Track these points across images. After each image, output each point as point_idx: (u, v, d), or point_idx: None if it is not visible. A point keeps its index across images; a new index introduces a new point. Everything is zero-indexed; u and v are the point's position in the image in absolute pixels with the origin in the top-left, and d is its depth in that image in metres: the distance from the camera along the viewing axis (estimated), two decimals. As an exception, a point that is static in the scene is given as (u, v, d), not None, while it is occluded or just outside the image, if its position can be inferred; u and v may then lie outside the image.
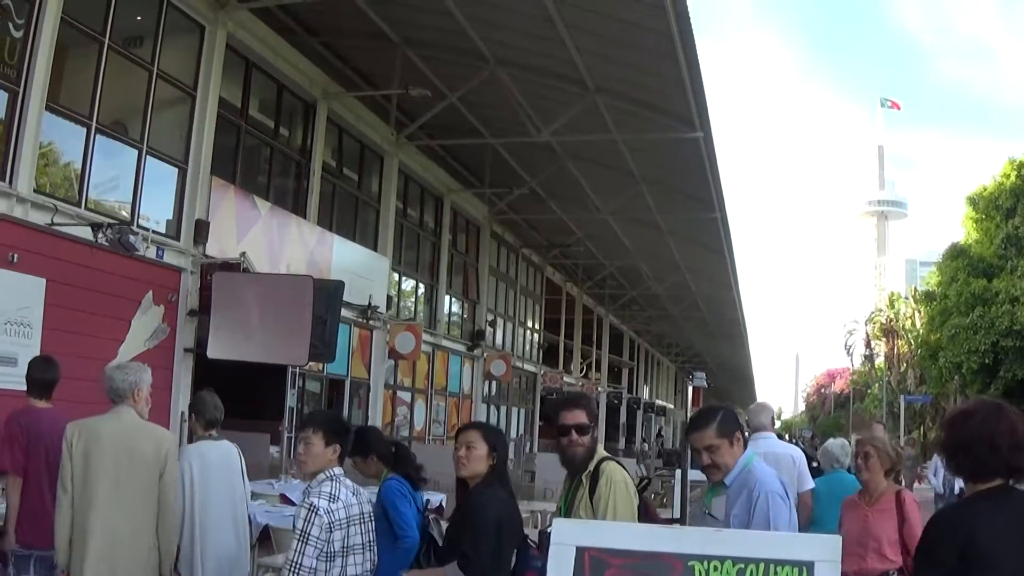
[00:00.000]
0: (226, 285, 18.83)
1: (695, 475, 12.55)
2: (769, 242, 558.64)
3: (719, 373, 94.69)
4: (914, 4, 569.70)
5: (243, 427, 19.24)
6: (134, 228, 16.83)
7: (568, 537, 4.82)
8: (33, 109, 15.13)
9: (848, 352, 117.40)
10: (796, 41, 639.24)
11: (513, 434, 43.90)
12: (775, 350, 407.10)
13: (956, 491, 25.47)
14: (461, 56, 23.96)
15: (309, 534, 7.11)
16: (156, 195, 19.03)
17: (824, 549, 4.63)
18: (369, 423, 27.28)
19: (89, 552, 8.24)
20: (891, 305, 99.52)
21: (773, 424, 12.56)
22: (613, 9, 19.59)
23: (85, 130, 16.77)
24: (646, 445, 62.32)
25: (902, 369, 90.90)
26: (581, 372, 57.81)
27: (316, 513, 7.17)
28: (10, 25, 14.92)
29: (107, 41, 17.08)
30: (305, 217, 24.38)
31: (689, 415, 56.27)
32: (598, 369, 61.18)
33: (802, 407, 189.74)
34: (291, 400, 22.60)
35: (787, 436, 40.84)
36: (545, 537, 6.95)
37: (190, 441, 10.78)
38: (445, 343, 35.69)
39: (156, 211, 19.05)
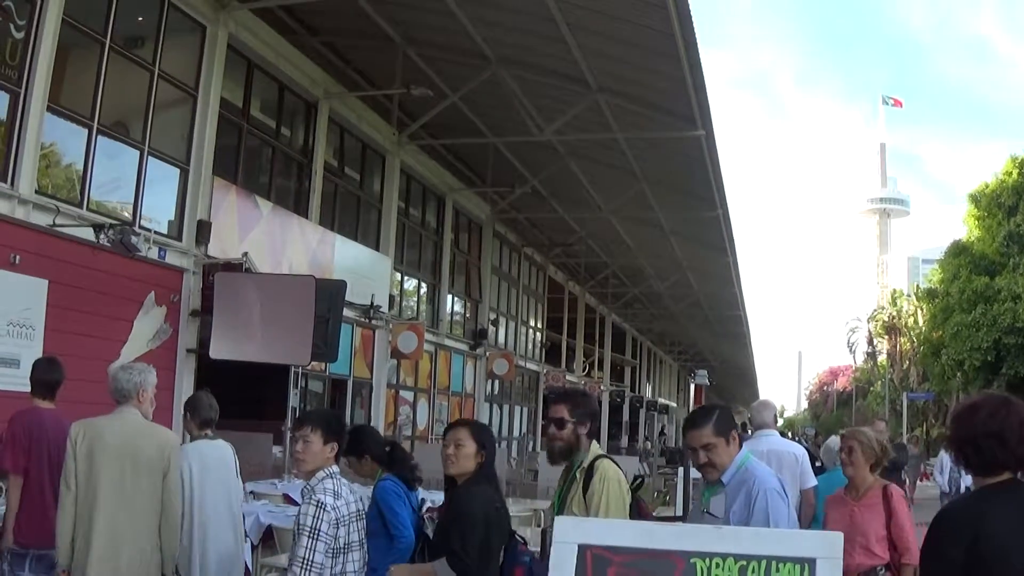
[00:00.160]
0: (228, 285, 18.83)
1: (697, 473, 12.58)
2: (771, 240, 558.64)
3: (721, 371, 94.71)
4: (916, 1, 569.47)
5: (246, 427, 19.30)
6: (136, 229, 16.82)
7: (570, 535, 4.81)
8: (34, 110, 15.13)
9: (851, 349, 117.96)
10: (798, 38, 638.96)
11: (516, 433, 43.96)
12: (778, 348, 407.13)
13: (962, 490, 25.45)
14: (463, 55, 23.99)
15: (320, 530, 7.14)
16: (158, 196, 19.03)
17: (826, 546, 4.63)
18: (372, 423, 27.32)
19: (92, 552, 8.25)
20: (893, 302, 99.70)
21: (775, 422, 12.57)
22: (615, 8, 19.59)
23: (87, 131, 16.76)
24: (649, 443, 62.26)
25: (904, 366, 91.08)
26: (584, 371, 57.76)
27: (324, 509, 7.20)
28: (11, 26, 14.92)
29: (108, 42, 17.08)
30: (307, 217, 24.38)
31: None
32: (601, 368, 61.20)
33: (805, 405, 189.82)
34: (294, 400, 22.59)
35: (790, 434, 40.88)
36: (546, 535, 7.01)
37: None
38: (447, 342, 35.71)
39: (158, 212, 19.06)
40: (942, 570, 4.59)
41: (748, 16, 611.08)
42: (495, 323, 41.38)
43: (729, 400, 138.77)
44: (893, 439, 22.72)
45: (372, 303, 26.92)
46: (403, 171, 30.53)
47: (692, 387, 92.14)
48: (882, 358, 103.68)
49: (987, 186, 58.42)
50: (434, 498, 12.94)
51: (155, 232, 18.08)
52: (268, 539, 13.71)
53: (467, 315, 39.10)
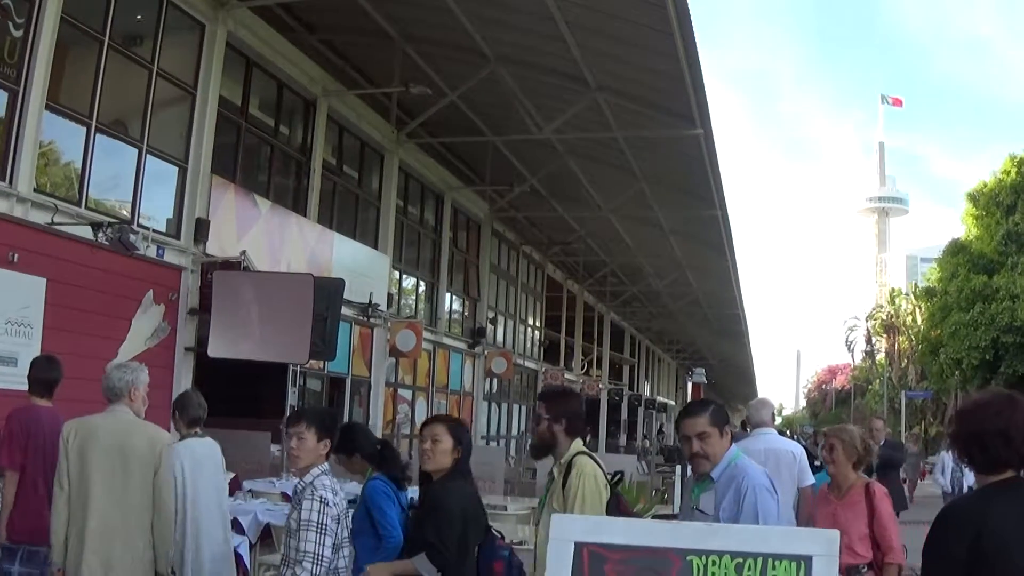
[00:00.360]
0: (226, 284, 18.82)
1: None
2: (770, 239, 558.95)
3: (720, 370, 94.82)
4: (914, 1, 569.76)
5: (244, 425, 19.31)
6: (134, 227, 16.82)
7: (567, 533, 4.83)
8: (33, 108, 15.12)
9: (849, 348, 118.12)
10: (797, 37, 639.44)
11: (514, 431, 43.98)
12: (776, 346, 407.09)
13: (965, 489, 25.42)
14: (462, 53, 24.01)
15: (326, 525, 7.27)
16: (156, 194, 19.03)
17: (822, 543, 4.64)
18: (370, 421, 27.35)
19: (85, 549, 8.30)
20: (892, 301, 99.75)
21: (773, 420, 12.59)
22: (614, 7, 19.60)
23: (85, 129, 16.75)
24: (647, 442, 62.29)
25: (903, 365, 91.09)
26: (582, 369, 57.82)
27: (327, 505, 7.33)
28: (10, 24, 14.91)
29: (107, 40, 17.06)
30: (305, 215, 24.37)
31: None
32: (599, 366, 61.22)
33: (803, 403, 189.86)
34: (292, 398, 22.61)
35: (788, 432, 40.94)
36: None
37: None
38: (446, 341, 35.70)
39: (156, 210, 19.06)
40: (945, 567, 4.60)
41: (747, 15, 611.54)
42: (493, 321, 41.39)
43: (727, 398, 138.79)
44: (890, 437, 22.66)
45: (370, 301, 26.92)
46: (402, 169, 30.52)
47: (690, 385, 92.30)
48: (880, 356, 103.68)
49: (985, 185, 58.42)
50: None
51: (153, 230, 18.08)
52: (266, 537, 13.74)
53: (465, 313, 39.12)
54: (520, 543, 11.44)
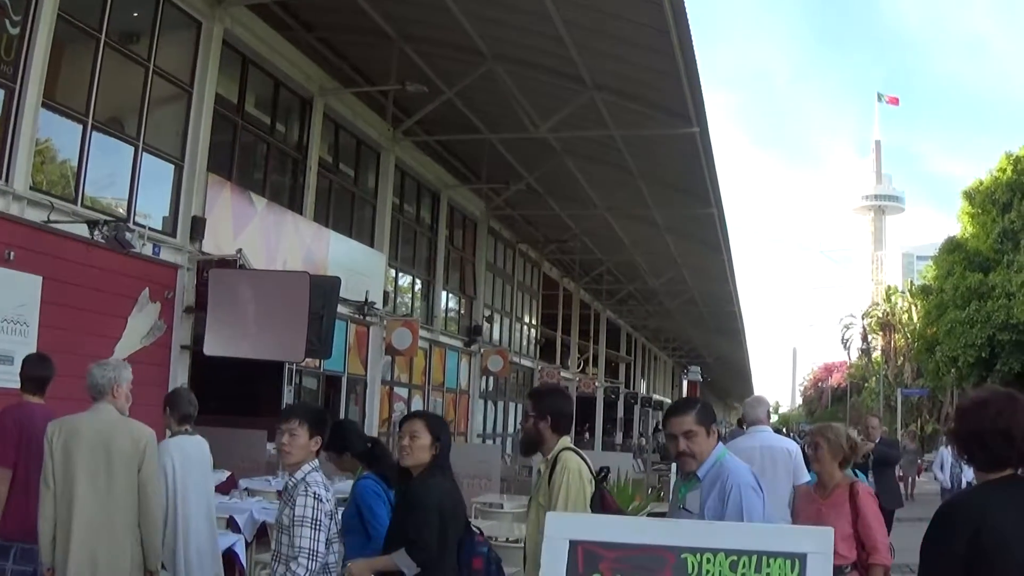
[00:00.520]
0: (222, 282, 18.82)
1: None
2: (767, 237, 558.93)
3: (716, 367, 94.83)
4: (911, 0, 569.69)
5: (240, 424, 19.31)
6: (130, 225, 16.83)
7: (561, 531, 4.84)
8: (29, 106, 15.11)
9: (845, 346, 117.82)
10: (794, 35, 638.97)
11: (510, 430, 44.01)
12: (772, 344, 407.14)
13: (964, 485, 25.43)
14: (458, 52, 24.01)
15: (320, 521, 7.32)
16: (152, 192, 19.00)
17: (817, 541, 4.65)
18: (366, 419, 27.38)
19: (71, 548, 8.34)
20: (888, 299, 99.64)
21: (769, 418, 12.58)
22: (611, 6, 19.63)
23: (81, 127, 16.73)
24: (643, 440, 62.37)
25: (899, 363, 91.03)
26: (578, 367, 57.84)
27: (320, 501, 7.39)
28: (7, 22, 14.90)
29: (103, 37, 17.05)
30: (301, 213, 24.35)
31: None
32: (595, 364, 61.30)
33: (799, 401, 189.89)
34: (288, 397, 22.61)
35: (784, 430, 40.95)
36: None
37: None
38: (442, 339, 35.73)
39: (152, 208, 19.03)
40: (944, 563, 4.61)
41: (744, 14, 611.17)
42: (490, 320, 41.38)
43: (724, 396, 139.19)
44: (886, 435, 22.68)
45: (366, 299, 26.91)
46: (398, 167, 30.51)
47: (685, 383, 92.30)
48: (876, 354, 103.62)
49: (981, 183, 58.42)
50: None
51: (149, 228, 18.04)
52: (262, 536, 13.75)
53: (462, 312, 39.16)
54: (516, 541, 11.46)
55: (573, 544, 4.72)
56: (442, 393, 36.24)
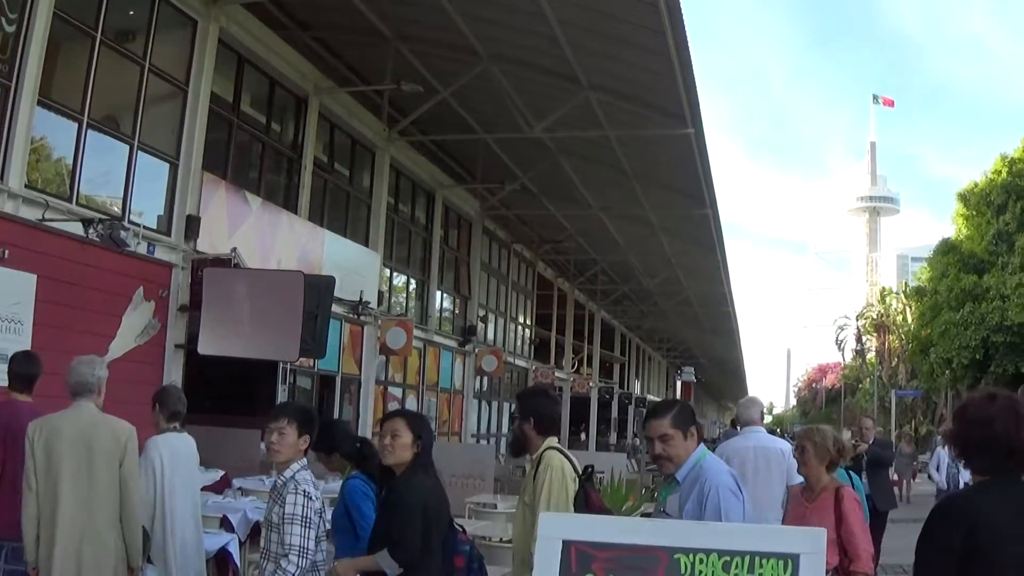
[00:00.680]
0: (217, 281, 18.80)
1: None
2: (761, 237, 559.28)
3: (710, 368, 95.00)
4: (908, 1, 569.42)
5: (234, 423, 19.30)
6: (125, 224, 16.85)
7: (554, 531, 4.85)
8: (25, 104, 15.11)
9: (839, 347, 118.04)
10: (789, 37, 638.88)
11: (504, 430, 44.02)
12: (767, 345, 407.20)
13: (960, 486, 25.40)
14: (453, 51, 24.01)
15: (310, 519, 7.38)
16: (147, 190, 18.97)
17: (809, 541, 4.66)
18: (360, 419, 27.38)
19: (56, 547, 8.37)
20: (882, 300, 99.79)
21: (763, 419, 12.62)
22: (606, 5, 19.63)
23: (77, 125, 16.71)
24: (637, 440, 62.34)
25: (893, 364, 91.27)
26: (573, 367, 57.84)
27: (310, 499, 7.45)
28: (3, 20, 14.88)
29: (99, 36, 17.03)
30: (296, 212, 24.34)
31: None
32: (590, 364, 61.29)
33: (793, 402, 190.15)
34: (282, 396, 22.61)
35: (778, 431, 40.97)
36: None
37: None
38: (436, 339, 35.73)
39: (147, 206, 19.01)
40: (939, 560, 4.64)
41: (739, 15, 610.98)
42: (484, 319, 41.42)
43: (718, 397, 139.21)
44: (880, 436, 22.66)
45: (361, 299, 26.91)
46: (393, 167, 30.52)
47: (679, 384, 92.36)
48: (871, 355, 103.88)
49: (976, 185, 58.59)
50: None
51: (144, 227, 18.08)
52: (256, 535, 13.74)
53: (456, 311, 39.17)
54: (510, 541, 11.46)
55: (566, 544, 4.74)
56: (436, 393, 36.23)
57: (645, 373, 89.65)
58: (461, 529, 8.00)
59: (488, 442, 41.10)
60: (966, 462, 4.98)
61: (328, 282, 20.14)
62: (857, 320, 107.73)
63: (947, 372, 57.58)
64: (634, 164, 29.63)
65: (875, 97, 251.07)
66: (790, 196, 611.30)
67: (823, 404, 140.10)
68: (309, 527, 7.34)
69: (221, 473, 17.13)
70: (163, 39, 19.07)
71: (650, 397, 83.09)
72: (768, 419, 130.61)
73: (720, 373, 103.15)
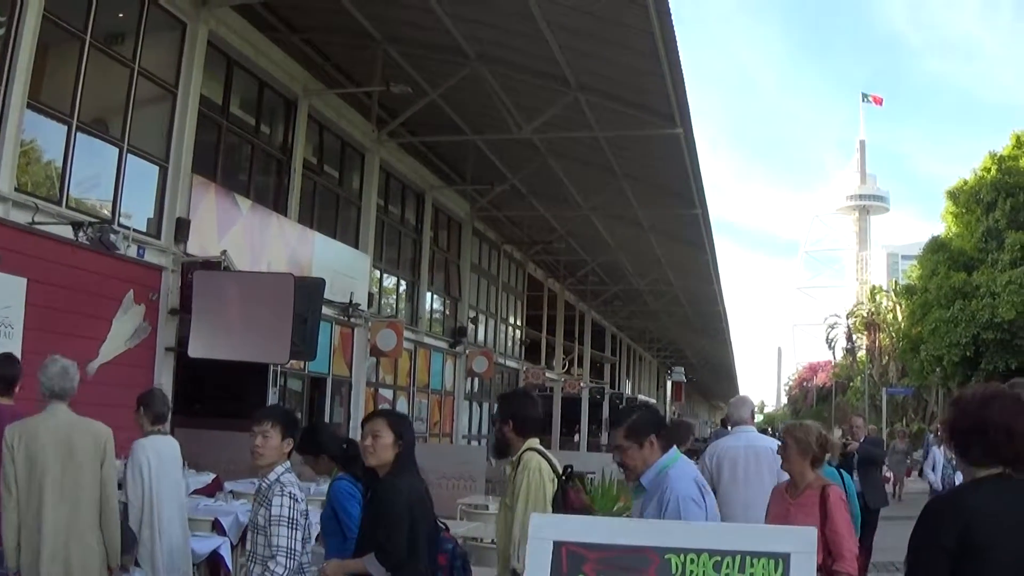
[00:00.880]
0: (207, 283, 18.79)
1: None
2: (750, 236, 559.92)
3: (701, 367, 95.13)
4: (898, 1, 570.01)
5: (224, 426, 19.29)
6: (115, 227, 16.82)
7: (545, 532, 4.85)
8: (14, 106, 15.09)
9: (830, 345, 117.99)
10: (779, 36, 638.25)
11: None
12: (757, 344, 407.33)
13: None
14: (443, 53, 24.02)
15: (296, 520, 7.43)
16: (137, 193, 18.95)
17: (800, 541, 4.67)
18: (351, 421, 27.37)
19: (43, 551, 8.36)
20: (872, 299, 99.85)
21: (753, 418, 12.60)
22: (594, 6, 19.63)
23: (66, 128, 16.68)
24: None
25: (884, 362, 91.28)
26: (563, 368, 57.85)
27: (296, 500, 7.50)
28: (-8, 23, 14.92)
29: (89, 38, 17.02)
30: (286, 215, 24.32)
31: (670, 412, 56.37)
32: (580, 365, 61.26)
33: (784, 400, 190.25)
34: (272, 399, 22.59)
35: (769, 430, 41.03)
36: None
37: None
38: (427, 340, 35.72)
39: (137, 209, 18.98)
40: (932, 557, 4.65)
41: (729, 15, 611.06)
42: (474, 321, 41.38)
43: (708, 396, 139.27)
44: (871, 434, 22.70)
45: (351, 301, 26.89)
46: (382, 168, 30.51)
47: (669, 384, 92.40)
48: (861, 354, 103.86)
49: (966, 183, 58.69)
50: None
51: (134, 230, 18.04)
52: (247, 538, 13.75)
53: (446, 313, 39.17)
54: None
55: (557, 545, 4.73)
56: (427, 394, 36.26)
57: (636, 373, 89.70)
58: (444, 527, 8.02)
59: (479, 443, 41.05)
60: (962, 453, 4.99)
61: (318, 284, 20.16)
62: (847, 319, 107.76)
63: (938, 370, 57.57)
64: (623, 164, 29.66)
65: (864, 96, 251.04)
66: (780, 195, 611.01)
67: (814, 403, 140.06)
68: (296, 528, 7.38)
69: (212, 476, 17.13)
70: (152, 42, 19.05)
71: (641, 397, 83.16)
72: (759, 418, 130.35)
73: (711, 372, 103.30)
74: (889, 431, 61.94)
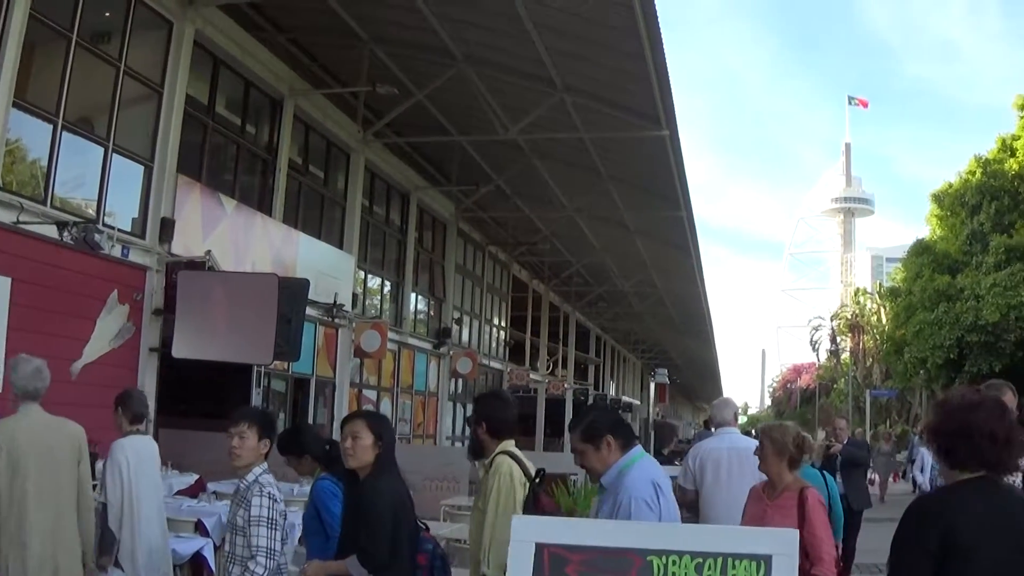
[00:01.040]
0: (191, 284, 18.77)
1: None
2: (735, 237, 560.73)
3: (685, 369, 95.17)
4: (883, 4, 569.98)
5: (208, 426, 19.27)
6: (100, 226, 16.79)
7: (527, 534, 4.87)
8: (0, 106, 15.08)
9: (814, 347, 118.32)
10: (766, 39, 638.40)
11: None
12: (741, 345, 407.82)
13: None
14: (429, 53, 24.02)
15: (275, 520, 7.47)
16: (122, 193, 18.92)
17: (781, 543, 4.69)
18: (335, 422, 27.32)
19: (30, 554, 8.28)
20: (857, 301, 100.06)
21: (736, 419, 12.62)
22: (581, 7, 19.64)
23: (52, 127, 16.66)
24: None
25: (868, 364, 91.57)
26: (547, 369, 57.83)
27: (275, 501, 7.54)
28: (-23, 22, 14.88)
29: (75, 37, 16.99)
30: (271, 215, 24.31)
31: (653, 414, 56.40)
32: (564, 366, 61.26)
33: (768, 402, 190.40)
34: (256, 399, 22.58)
35: (753, 431, 41.18)
36: None
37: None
38: (411, 341, 35.72)
39: (122, 209, 18.95)
40: (915, 559, 4.69)
41: (715, 18, 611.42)
42: (459, 322, 41.39)
43: (692, 398, 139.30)
44: (854, 437, 22.72)
45: (335, 302, 26.87)
46: (368, 169, 30.53)
47: (653, 386, 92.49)
48: (845, 356, 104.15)
49: (951, 186, 58.80)
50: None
51: (118, 230, 17.97)
52: (228, 538, 13.75)
53: (431, 314, 39.17)
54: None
55: (539, 547, 4.75)
56: (411, 395, 36.25)
57: (620, 374, 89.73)
58: (424, 527, 8.01)
59: (463, 444, 40.97)
60: (945, 456, 5.02)
61: (302, 285, 20.13)
62: (832, 321, 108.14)
63: (921, 372, 57.62)
64: (609, 166, 29.68)
65: (850, 99, 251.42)
66: (765, 197, 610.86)
67: (798, 404, 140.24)
68: (275, 529, 7.42)
69: (196, 477, 17.12)
70: (138, 41, 19.03)
71: (625, 398, 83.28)
72: (743, 419, 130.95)
73: (695, 374, 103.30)
74: (873, 433, 62.02)
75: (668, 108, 22.85)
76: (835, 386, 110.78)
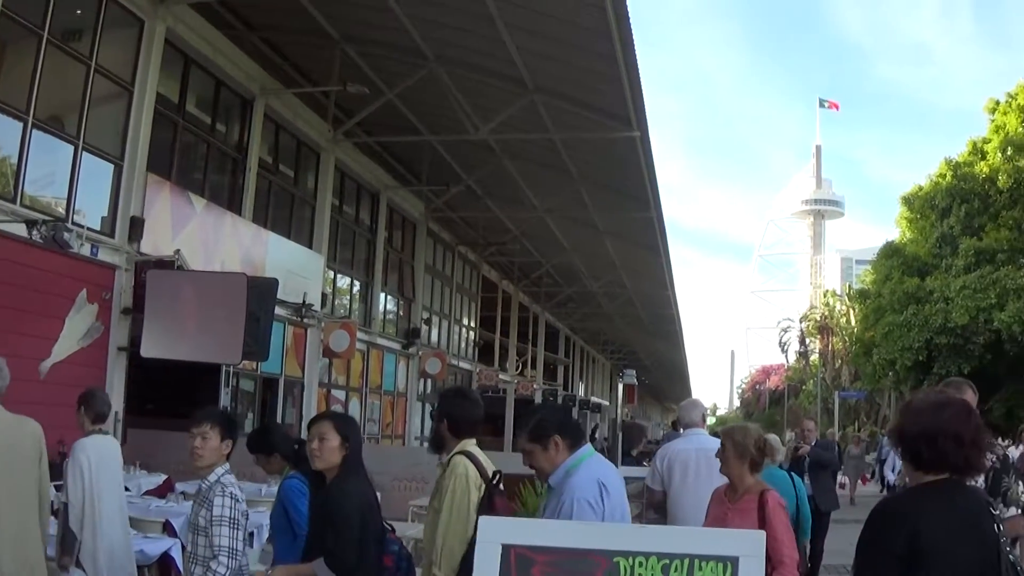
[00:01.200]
0: (160, 283, 18.71)
1: (628, 471, 12.68)
2: (705, 239, 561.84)
3: (654, 370, 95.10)
4: (855, 6, 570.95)
5: (176, 426, 19.21)
6: (69, 225, 16.72)
7: (494, 535, 4.88)
8: (-30, 104, 15.05)
9: (783, 349, 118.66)
10: (737, 41, 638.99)
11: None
12: (710, 346, 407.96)
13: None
14: (400, 53, 23.99)
15: (237, 520, 7.50)
16: (91, 191, 18.87)
17: (749, 544, 4.71)
18: (303, 422, 27.29)
19: (3, 556, 8.21)
20: (826, 303, 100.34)
21: (705, 421, 12.62)
22: (552, 8, 19.68)
23: (22, 125, 16.62)
24: (582, 442, 62.32)
25: (836, 366, 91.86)
26: (517, 370, 57.87)
27: (237, 500, 7.56)
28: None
29: (46, 35, 16.94)
30: (240, 214, 24.28)
31: (622, 414, 56.49)
32: (534, 366, 61.32)
33: (737, 403, 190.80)
34: (225, 399, 22.53)
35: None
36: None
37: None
38: (380, 341, 35.68)
39: (91, 207, 18.89)
40: (881, 562, 4.71)
41: (687, 19, 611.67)
42: (428, 322, 41.43)
43: (661, 398, 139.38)
44: (822, 438, 22.79)
45: (304, 301, 26.87)
46: (338, 168, 30.51)
47: (621, 387, 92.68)
48: (814, 357, 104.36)
49: (920, 189, 59.01)
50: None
51: (88, 228, 17.91)
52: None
53: (400, 314, 39.12)
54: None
55: (506, 548, 4.76)
56: (380, 396, 36.21)
57: (589, 375, 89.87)
58: (390, 528, 7.99)
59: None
60: (911, 458, 5.01)
61: (271, 284, 20.10)
62: (801, 322, 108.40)
63: (890, 374, 57.75)
64: (579, 167, 29.71)
65: (821, 101, 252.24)
66: (735, 199, 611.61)
67: (767, 405, 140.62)
68: (237, 528, 7.45)
69: (164, 477, 17.09)
70: (109, 39, 18.97)
71: (594, 399, 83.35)
72: (712, 420, 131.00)
73: (663, 375, 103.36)
74: (842, 435, 62.27)
75: (639, 109, 22.88)
76: (804, 387, 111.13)
